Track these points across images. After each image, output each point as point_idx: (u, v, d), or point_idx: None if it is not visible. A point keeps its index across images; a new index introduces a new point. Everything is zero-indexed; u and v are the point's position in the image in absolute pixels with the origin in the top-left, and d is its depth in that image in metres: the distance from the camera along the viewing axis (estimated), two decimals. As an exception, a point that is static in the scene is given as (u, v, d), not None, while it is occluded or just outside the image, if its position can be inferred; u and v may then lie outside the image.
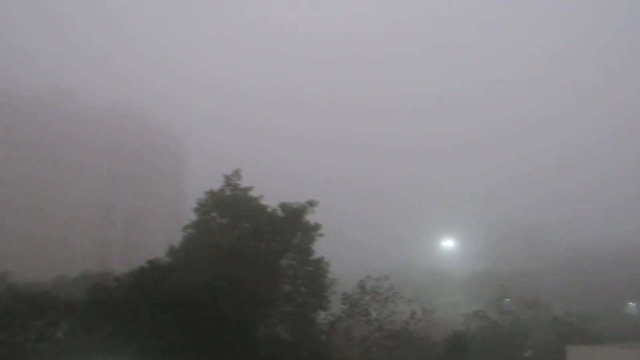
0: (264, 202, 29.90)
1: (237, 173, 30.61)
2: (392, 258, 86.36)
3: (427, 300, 37.66)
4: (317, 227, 29.33)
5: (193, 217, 29.66)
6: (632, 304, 67.11)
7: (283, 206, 29.29)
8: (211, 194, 29.55)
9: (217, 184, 30.19)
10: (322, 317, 27.91)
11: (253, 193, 30.18)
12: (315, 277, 28.21)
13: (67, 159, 79.54)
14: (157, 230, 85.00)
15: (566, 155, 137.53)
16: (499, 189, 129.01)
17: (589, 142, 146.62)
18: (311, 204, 29.49)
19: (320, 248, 29.40)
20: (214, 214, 29.52)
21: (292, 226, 28.92)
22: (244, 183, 30.33)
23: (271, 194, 30.97)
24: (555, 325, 37.82)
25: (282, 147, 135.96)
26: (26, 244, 72.36)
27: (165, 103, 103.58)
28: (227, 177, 30.34)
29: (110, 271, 37.41)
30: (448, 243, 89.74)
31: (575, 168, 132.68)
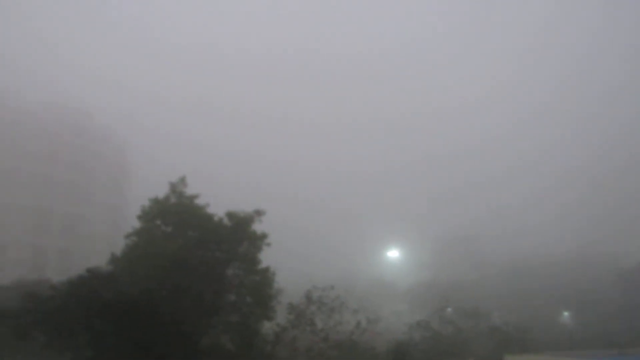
0: (210, 210, 29.54)
1: (182, 180, 30.10)
2: (337, 268, 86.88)
3: (372, 310, 38.13)
4: (264, 236, 29.20)
5: (137, 224, 28.91)
6: (566, 314, 70.13)
7: (230, 215, 29.03)
8: (156, 201, 28.90)
9: (161, 192, 29.63)
10: (267, 327, 27.75)
11: (199, 201, 29.78)
12: (261, 287, 28.04)
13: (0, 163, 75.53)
14: (97, 237, 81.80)
15: (504, 170, 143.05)
16: (441, 203, 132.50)
17: (526, 158, 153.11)
18: (258, 213, 29.37)
19: (265, 258, 29.29)
20: (158, 222, 28.87)
21: (238, 235, 28.69)
22: (189, 191, 29.91)
23: (217, 204, 30.63)
24: (494, 334, 39.22)
25: (228, 159, 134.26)
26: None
27: (104, 109, 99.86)
28: (172, 185, 29.77)
29: (46, 279, 35.73)
30: (393, 253, 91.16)
31: (512, 182, 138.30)
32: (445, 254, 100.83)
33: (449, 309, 45.43)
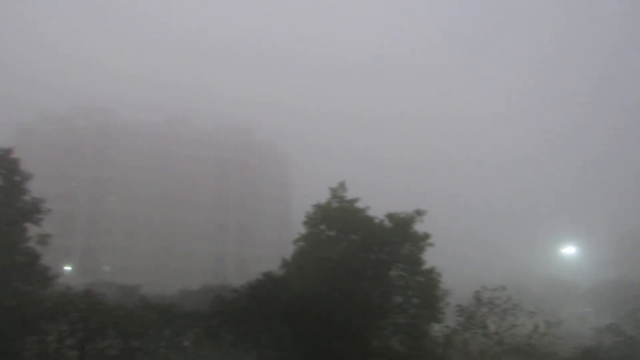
0: (370, 213, 29.90)
1: (342, 185, 30.88)
2: (503, 268, 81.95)
3: (549, 312, 35.12)
4: (426, 236, 28.67)
5: (301, 230, 30.37)
6: None
7: (390, 216, 29.01)
8: (319, 207, 30.03)
9: (320, 198, 30.76)
10: (436, 329, 27.08)
11: (359, 205, 30.33)
12: (426, 288, 27.51)
13: (183, 179, 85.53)
14: (267, 244, 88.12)
15: None
16: (633, 193, 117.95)
17: None
18: (419, 213, 28.93)
19: (428, 260, 28.73)
20: (322, 227, 29.98)
21: (400, 236, 28.55)
22: (348, 196, 30.60)
23: (377, 207, 30.90)
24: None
25: (382, 163, 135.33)
26: (152, 260, 78.49)
27: (262, 126, 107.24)
28: (332, 190, 30.72)
29: (227, 283, 39.29)
30: (569, 250, 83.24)
31: None
32: (637, 251, 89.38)
33: (644, 312, 39.91)
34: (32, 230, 24.62)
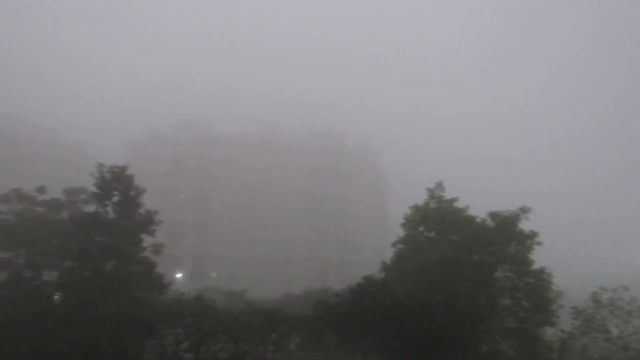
0: (471, 212, 28.87)
1: (439, 185, 30.11)
2: (622, 265, 75.30)
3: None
4: (533, 235, 27.18)
5: (399, 232, 29.99)
6: None
7: (493, 215, 27.85)
8: (416, 208, 29.51)
9: (416, 200, 30.18)
10: (549, 333, 25.47)
11: (458, 204, 29.40)
12: (537, 290, 26.02)
13: (280, 187, 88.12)
14: (365, 247, 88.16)
15: None
16: None
17: None
18: (524, 210, 27.52)
19: (538, 260, 27.15)
20: (421, 228, 29.40)
21: (505, 236, 27.28)
22: (447, 196, 29.77)
23: (476, 206, 29.76)
24: None
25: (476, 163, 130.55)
26: (255, 266, 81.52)
27: (352, 129, 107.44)
28: (430, 191, 30.03)
29: (329, 287, 39.73)
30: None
31: None
32: None
33: None
34: (147, 240, 26.52)
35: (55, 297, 24.36)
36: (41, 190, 27.96)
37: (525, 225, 27.28)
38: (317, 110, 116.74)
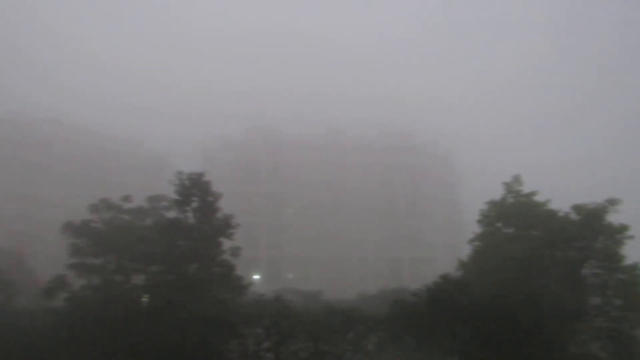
0: (552, 206, 27.56)
1: (517, 179, 29.00)
2: None
3: None
4: (623, 228, 25.52)
5: (473, 229, 29.21)
6: None
7: (577, 208, 26.44)
8: (493, 204, 28.57)
9: (492, 195, 29.20)
10: (646, 333, 23.79)
11: (538, 198, 28.16)
12: (630, 287, 24.42)
13: (351, 187, 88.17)
14: (438, 245, 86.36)
15: None
16: None
17: None
18: (612, 202, 25.90)
19: (630, 254, 25.43)
20: (498, 224, 28.43)
21: (591, 230, 25.79)
22: (525, 189, 28.63)
23: (558, 199, 28.35)
24: None
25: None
26: (329, 266, 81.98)
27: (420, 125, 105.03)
28: (507, 185, 28.99)
29: (404, 287, 39.21)
30: None
31: None
32: None
33: None
34: (225, 243, 27.37)
35: (143, 299, 25.72)
36: (127, 199, 29.65)
37: (614, 218, 25.69)
38: (384, 108, 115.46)
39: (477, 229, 28.99)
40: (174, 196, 26.65)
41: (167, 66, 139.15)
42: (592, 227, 25.65)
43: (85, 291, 25.09)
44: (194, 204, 26.43)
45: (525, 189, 28.57)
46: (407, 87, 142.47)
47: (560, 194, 31.73)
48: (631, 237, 25.10)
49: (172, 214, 27.47)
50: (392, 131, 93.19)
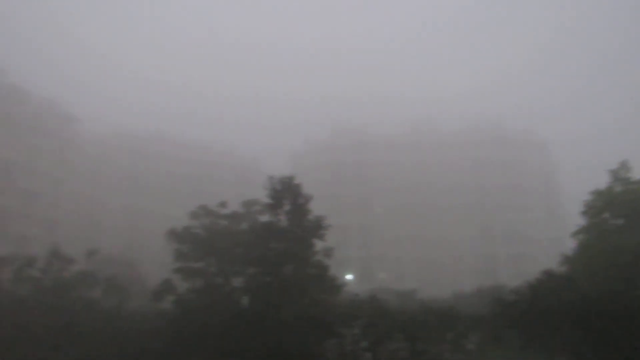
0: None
1: (624, 165, 26.94)
2: None
3: None
4: None
5: (575, 221, 27.57)
6: None
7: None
8: (599, 193, 26.74)
9: (596, 184, 27.35)
10: None
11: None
12: None
13: (441, 183, 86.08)
14: (536, 240, 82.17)
15: None
16: None
17: None
18: None
19: None
20: (605, 215, 26.55)
21: None
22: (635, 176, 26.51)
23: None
24: None
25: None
26: (422, 265, 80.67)
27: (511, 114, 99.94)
28: (613, 172, 27.02)
29: (501, 284, 37.69)
30: None
31: None
32: None
33: None
34: (317, 244, 27.77)
35: (244, 301, 26.78)
36: (223, 205, 31.03)
37: None
38: (475, 101, 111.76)
39: (580, 221, 27.33)
40: (267, 200, 27.49)
41: (255, 81, 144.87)
42: None
43: (190, 294, 26.58)
44: (286, 207, 27.10)
45: (635, 175, 26.50)
46: (497, 79, 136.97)
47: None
48: None
49: (265, 218, 28.36)
50: (481, 124, 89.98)
